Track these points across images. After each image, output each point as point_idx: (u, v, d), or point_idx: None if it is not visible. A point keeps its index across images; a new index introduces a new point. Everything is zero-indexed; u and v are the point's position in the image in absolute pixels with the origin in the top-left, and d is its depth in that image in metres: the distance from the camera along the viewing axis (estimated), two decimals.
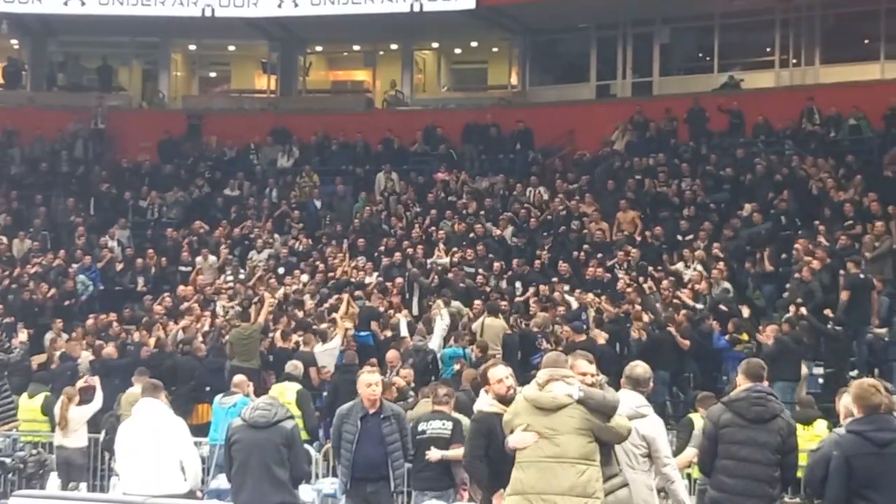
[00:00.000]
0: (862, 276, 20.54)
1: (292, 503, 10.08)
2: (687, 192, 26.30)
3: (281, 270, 25.80)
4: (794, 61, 31.27)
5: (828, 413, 14.45)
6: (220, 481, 12.42)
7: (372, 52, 36.65)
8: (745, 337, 20.07)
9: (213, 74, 38.97)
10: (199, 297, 24.53)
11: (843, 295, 20.28)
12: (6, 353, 21.28)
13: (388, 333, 21.52)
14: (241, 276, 25.63)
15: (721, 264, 22.56)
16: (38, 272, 26.17)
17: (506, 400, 8.93)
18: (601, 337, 19.73)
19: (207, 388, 19.30)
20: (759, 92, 30.49)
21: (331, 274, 24.97)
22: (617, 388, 9.13)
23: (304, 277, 24.95)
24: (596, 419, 8.12)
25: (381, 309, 22.56)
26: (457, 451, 11.48)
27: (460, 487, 12.01)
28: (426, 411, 14.49)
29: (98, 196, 30.84)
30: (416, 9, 30.74)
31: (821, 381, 19.61)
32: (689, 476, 12.99)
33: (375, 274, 24.83)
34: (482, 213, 27.10)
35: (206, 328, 22.32)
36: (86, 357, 21.06)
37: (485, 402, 8.99)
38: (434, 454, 11.73)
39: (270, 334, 21.31)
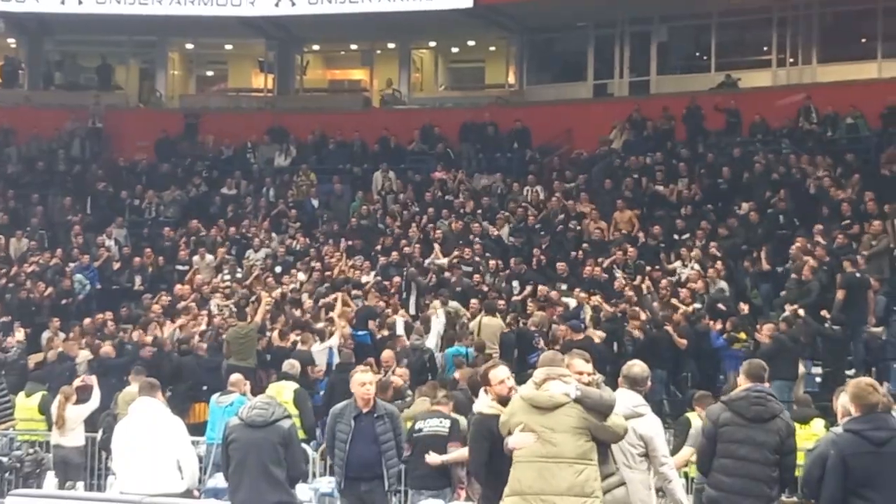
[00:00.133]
0: (858, 274, 20.57)
1: (290, 502, 10.07)
2: (684, 192, 26.32)
3: (278, 269, 25.80)
4: (792, 60, 31.26)
5: (825, 412, 14.44)
6: (218, 480, 12.41)
7: (369, 51, 36.62)
8: (742, 336, 20.09)
9: (210, 73, 38.94)
10: (197, 296, 24.52)
11: (839, 294, 20.32)
12: (3, 352, 21.35)
13: (386, 333, 21.51)
14: (238, 275, 25.63)
15: (719, 263, 22.60)
16: (35, 271, 26.17)
17: (506, 401, 8.92)
18: (598, 336, 19.73)
19: (204, 387, 19.30)
20: (756, 91, 30.48)
21: (328, 273, 24.97)
22: (614, 387, 9.13)
23: (301, 276, 24.94)
24: (593, 418, 8.11)
25: (379, 308, 22.55)
26: (458, 453, 11.47)
27: (457, 486, 12.03)
28: (423, 410, 14.53)
29: (95, 195, 30.82)
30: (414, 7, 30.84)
31: (818, 379, 19.62)
32: (686, 475, 12.99)
33: (373, 273, 24.85)
34: (479, 212, 27.09)
35: (203, 327, 22.31)
36: (83, 356, 21.05)
37: (484, 404, 8.97)
38: (434, 458, 11.73)
39: (268, 333, 21.30)
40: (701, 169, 27.09)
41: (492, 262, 24.36)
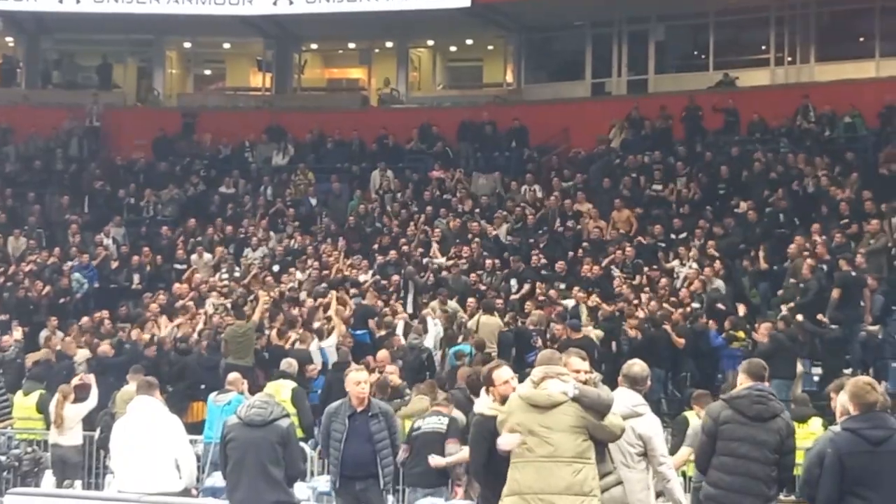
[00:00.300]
0: (853, 273, 20.59)
1: (288, 502, 10.08)
2: (683, 191, 26.33)
3: (276, 268, 25.80)
4: (790, 59, 31.27)
5: (823, 411, 14.46)
6: (216, 479, 12.42)
7: (367, 49, 36.59)
8: (740, 335, 20.10)
9: (208, 72, 38.92)
10: (195, 294, 24.52)
11: (834, 293, 20.35)
12: (1, 350, 21.36)
13: (384, 332, 21.51)
14: (237, 274, 25.63)
15: (717, 263, 22.61)
16: (32, 270, 26.16)
17: None
18: (595, 335, 19.74)
19: (202, 386, 19.31)
20: (754, 90, 30.48)
21: (325, 272, 24.96)
22: (612, 386, 9.13)
23: (300, 275, 24.94)
24: (590, 417, 8.10)
25: (378, 307, 22.56)
26: (460, 455, 11.46)
27: (454, 484, 12.03)
28: (421, 408, 14.56)
29: (93, 194, 30.80)
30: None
31: (816, 378, 19.63)
32: (683, 474, 12.99)
33: (371, 272, 24.85)
34: (477, 211, 27.09)
35: (201, 326, 22.31)
36: (82, 355, 21.05)
37: (485, 405, 8.95)
38: (438, 461, 11.74)
39: (266, 332, 21.30)
40: (699, 169, 27.09)
41: (489, 262, 24.34)
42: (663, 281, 22.59)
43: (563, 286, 22.92)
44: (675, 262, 23.57)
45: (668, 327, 20.24)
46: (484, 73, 36.73)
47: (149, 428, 10.82)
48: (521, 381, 8.72)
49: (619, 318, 20.78)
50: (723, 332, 20.32)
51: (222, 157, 32.35)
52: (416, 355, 19.99)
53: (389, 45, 36.09)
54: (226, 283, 25.03)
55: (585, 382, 8.44)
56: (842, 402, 8.45)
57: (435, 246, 25.38)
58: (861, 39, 31.13)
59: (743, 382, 9.02)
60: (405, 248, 25.63)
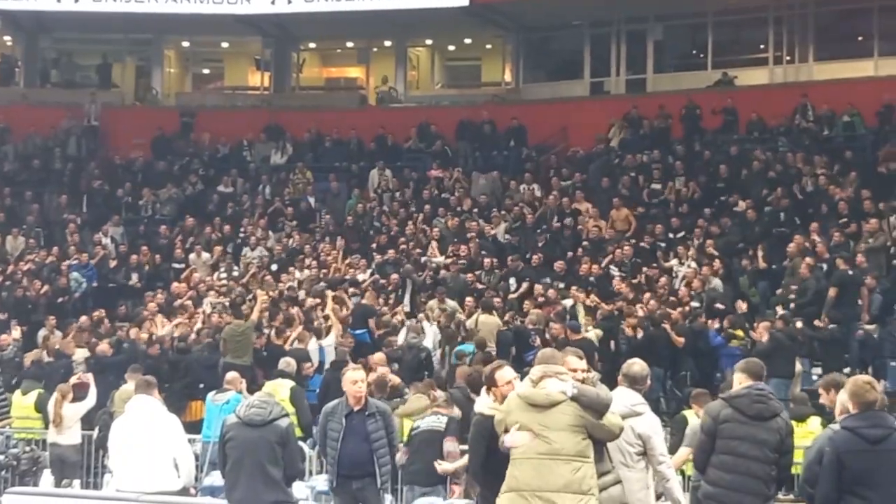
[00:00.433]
0: (850, 272, 20.60)
1: (286, 501, 10.07)
2: (682, 190, 26.33)
3: (274, 267, 25.79)
4: (788, 58, 31.29)
5: (822, 410, 14.44)
6: (214, 478, 12.42)
7: (366, 48, 36.57)
8: (739, 333, 20.09)
9: (206, 71, 38.91)
10: (193, 293, 24.52)
11: (831, 291, 20.37)
12: None
13: (383, 331, 21.50)
14: (235, 273, 25.63)
15: (716, 262, 22.62)
16: (31, 269, 26.16)
17: None
18: (595, 334, 19.74)
19: (201, 385, 19.29)
20: (752, 89, 30.49)
21: (324, 271, 24.96)
22: (611, 385, 9.12)
23: (298, 274, 24.93)
24: (589, 416, 8.09)
25: (377, 307, 22.56)
26: (465, 461, 11.44)
27: (451, 483, 12.03)
28: (419, 407, 14.57)
29: (91, 193, 30.79)
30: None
31: (815, 378, 19.61)
32: (682, 473, 12.98)
33: (369, 271, 24.85)
34: (475, 210, 27.08)
35: (200, 325, 22.30)
36: (80, 354, 21.05)
37: (485, 404, 8.94)
38: (446, 467, 11.73)
39: (265, 330, 21.30)
40: (698, 168, 27.10)
41: (486, 261, 24.32)
42: (662, 280, 22.58)
43: (561, 285, 22.90)
44: (674, 262, 23.57)
45: (667, 326, 20.23)
46: (482, 73, 36.74)
47: (147, 427, 10.82)
48: (521, 379, 8.72)
49: (618, 318, 20.78)
50: (721, 331, 20.31)
51: (221, 157, 32.35)
52: (414, 354, 19.99)
53: (388, 44, 36.08)
54: (224, 282, 25.02)
55: (583, 381, 8.44)
56: (841, 400, 8.46)
57: (433, 245, 25.37)
58: (859, 39, 31.14)
59: (742, 382, 9.01)
60: (403, 247, 25.62)
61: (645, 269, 23.33)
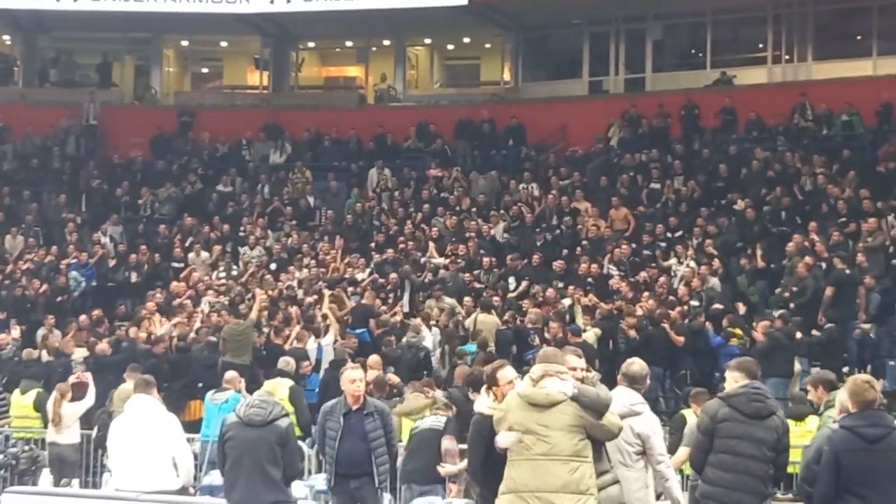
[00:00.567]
0: (848, 272, 20.59)
1: (285, 502, 10.07)
2: (682, 189, 26.33)
3: (273, 266, 25.79)
4: (787, 57, 31.29)
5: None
6: (213, 477, 12.42)
7: (364, 48, 36.57)
8: (738, 332, 20.09)
9: (205, 70, 38.90)
10: (192, 293, 24.52)
11: (828, 291, 20.37)
12: None
13: (381, 331, 21.48)
14: (234, 273, 25.63)
15: (716, 261, 22.62)
16: (30, 268, 26.16)
17: None
18: (594, 333, 19.74)
19: (200, 385, 19.29)
20: (751, 88, 30.50)
21: (322, 270, 24.96)
22: (610, 385, 9.12)
23: (299, 274, 24.92)
24: (588, 416, 8.09)
25: (377, 306, 22.56)
26: (460, 465, 11.44)
27: (449, 481, 12.03)
28: (417, 406, 14.58)
29: (90, 192, 30.78)
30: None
31: None
32: (681, 472, 12.99)
33: (368, 270, 24.85)
34: (474, 209, 27.08)
35: (199, 324, 22.30)
36: (79, 353, 21.04)
37: (484, 404, 8.94)
38: (449, 469, 11.74)
39: (265, 329, 21.29)
40: (696, 167, 27.10)
41: (485, 260, 24.32)
42: (661, 279, 22.58)
43: (560, 285, 22.90)
44: (673, 261, 23.57)
45: (666, 325, 20.23)
46: (481, 72, 36.74)
47: (146, 426, 10.82)
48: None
49: (617, 317, 20.77)
50: (721, 331, 20.31)
51: (219, 156, 32.35)
52: (413, 354, 19.99)
53: (387, 43, 36.09)
54: (223, 281, 25.02)
55: (582, 381, 8.44)
56: (841, 399, 8.48)
57: (432, 245, 25.37)
58: (858, 38, 31.14)
59: (737, 380, 9.01)
60: (402, 246, 25.62)
61: (644, 270, 23.30)
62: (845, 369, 18.76)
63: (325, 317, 21.73)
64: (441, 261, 24.62)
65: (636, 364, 9.38)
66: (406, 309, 23.28)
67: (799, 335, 19.50)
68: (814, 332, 20.05)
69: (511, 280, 23.76)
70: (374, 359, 18.38)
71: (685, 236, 24.42)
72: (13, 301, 24.94)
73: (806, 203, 24.47)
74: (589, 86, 33.24)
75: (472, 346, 19.74)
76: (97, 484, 15.94)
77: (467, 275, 23.84)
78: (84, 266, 26.45)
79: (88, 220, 29.40)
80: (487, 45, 36.13)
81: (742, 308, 21.06)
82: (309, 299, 23.09)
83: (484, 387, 9.27)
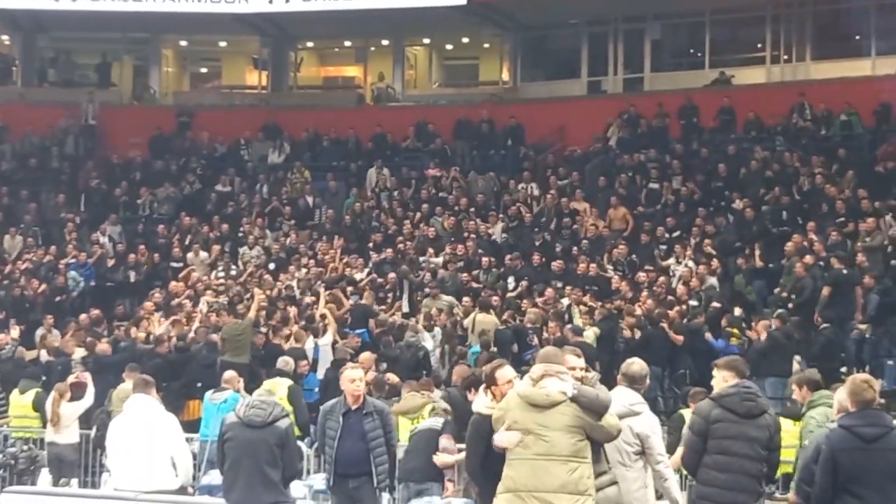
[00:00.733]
0: (845, 271, 20.59)
1: (284, 502, 10.07)
2: (681, 189, 26.33)
3: (271, 266, 25.80)
4: (786, 57, 31.31)
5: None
6: (212, 477, 12.42)
7: (363, 47, 36.59)
8: (736, 332, 20.11)
9: (203, 70, 38.91)
10: (191, 293, 24.51)
11: (825, 291, 20.37)
12: None
13: (379, 330, 21.47)
14: (233, 273, 25.62)
15: (714, 261, 22.62)
16: (29, 268, 26.16)
17: None
18: (593, 333, 19.74)
19: (199, 384, 19.28)
20: (750, 88, 30.50)
21: (320, 269, 24.96)
22: (609, 385, 9.12)
23: (298, 273, 24.92)
24: (588, 417, 8.08)
25: (375, 306, 22.57)
26: (461, 456, 11.45)
27: (446, 480, 12.04)
28: (414, 405, 14.58)
29: (89, 192, 30.78)
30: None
31: None
32: (680, 472, 12.99)
33: (366, 270, 24.85)
34: (472, 209, 27.09)
35: (198, 324, 22.30)
36: (78, 353, 21.03)
37: (482, 404, 8.94)
38: (444, 458, 11.74)
39: (263, 329, 21.29)
40: (695, 167, 27.10)
41: (484, 260, 24.32)
42: (661, 279, 22.58)
43: (559, 284, 22.91)
44: (672, 260, 23.57)
45: (665, 325, 20.24)
46: (480, 71, 36.74)
47: (145, 426, 10.82)
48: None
49: (616, 317, 20.77)
50: (719, 331, 20.31)
51: (218, 156, 32.34)
52: (412, 353, 19.98)
53: (385, 42, 36.11)
54: (222, 281, 25.02)
55: (581, 380, 8.44)
56: (839, 399, 8.48)
57: (429, 249, 25.36)
58: (857, 38, 31.15)
59: (727, 380, 9.01)
60: (401, 246, 25.62)
61: (643, 269, 23.31)
62: (843, 369, 18.77)
63: (323, 317, 21.74)
64: (440, 261, 24.62)
65: (636, 364, 9.37)
66: (405, 309, 23.29)
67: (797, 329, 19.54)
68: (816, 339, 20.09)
69: (510, 280, 23.77)
70: (365, 356, 18.31)
71: (684, 236, 24.42)
72: (12, 301, 24.94)
73: (804, 203, 24.48)
74: (587, 86, 33.26)
75: (475, 348, 19.75)
76: (96, 484, 15.93)
77: (466, 275, 23.85)
78: (83, 266, 26.45)
79: (87, 220, 29.40)
80: (486, 45, 36.14)
81: (738, 310, 21.02)
82: (307, 299, 23.11)
83: (482, 386, 9.27)
